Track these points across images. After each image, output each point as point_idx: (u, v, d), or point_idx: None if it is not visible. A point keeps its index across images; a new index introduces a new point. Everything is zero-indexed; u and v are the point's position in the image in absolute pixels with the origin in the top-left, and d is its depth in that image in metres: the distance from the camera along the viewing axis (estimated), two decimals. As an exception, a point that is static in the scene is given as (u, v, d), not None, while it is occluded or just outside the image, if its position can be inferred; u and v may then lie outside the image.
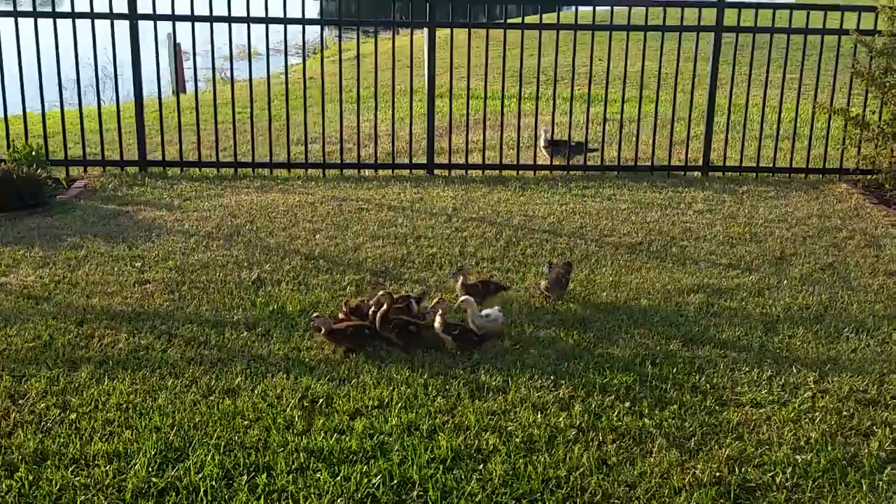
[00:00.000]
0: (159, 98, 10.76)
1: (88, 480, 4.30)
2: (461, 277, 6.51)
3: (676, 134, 11.83)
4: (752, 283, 7.14)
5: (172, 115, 12.50)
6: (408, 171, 10.82)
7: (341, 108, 10.76)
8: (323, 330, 5.76)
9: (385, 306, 5.83)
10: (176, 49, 16.22)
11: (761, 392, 5.33)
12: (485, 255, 7.69)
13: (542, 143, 11.01)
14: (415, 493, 4.27)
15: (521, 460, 4.54)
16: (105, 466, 4.41)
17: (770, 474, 4.49)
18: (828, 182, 10.62)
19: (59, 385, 5.21)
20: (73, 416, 4.88)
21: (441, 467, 4.46)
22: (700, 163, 10.99)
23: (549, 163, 10.93)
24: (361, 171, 10.81)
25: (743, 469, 4.53)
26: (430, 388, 5.27)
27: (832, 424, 4.99)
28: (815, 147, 11.18)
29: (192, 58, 10.59)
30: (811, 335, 6.17)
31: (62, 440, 4.64)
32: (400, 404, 5.07)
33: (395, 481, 4.34)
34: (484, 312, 5.94)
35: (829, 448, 4.73)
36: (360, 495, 4.22)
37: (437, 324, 5.79)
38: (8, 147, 10.19)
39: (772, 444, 4.76)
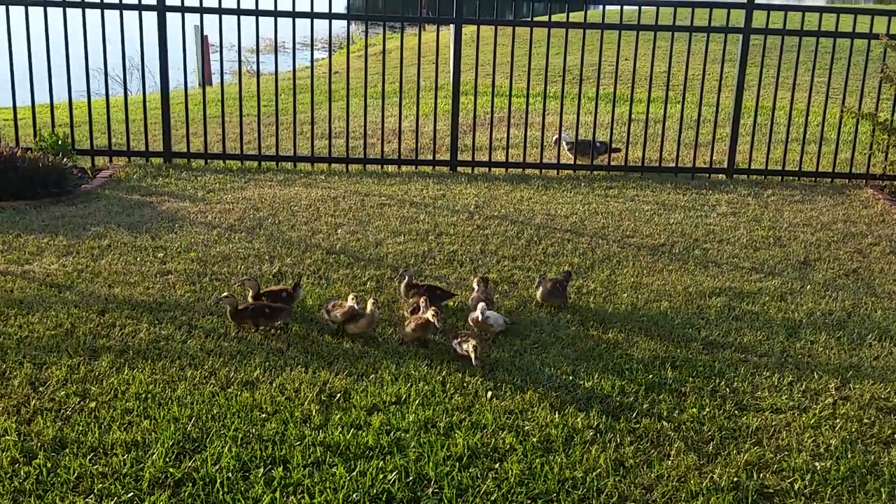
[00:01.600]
0: (185, 90, 10.81)
1: (106, 469, 4.32)
2: (406, 279, 6.45)
3: (702, 136, 11.78)
4: (775, 288, 7.08)
5: (198, 107, 12.56)
6: (431, 167, 10.82)
7: (366, 103, 10.76)
8: (229, 309, 5.94)
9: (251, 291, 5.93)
10: (203, 41, 16.27)
11: (781, 397, 5.29)
12: (506, 253, 7.67)
13: (564, 145, 10.97)
14: (430, 490, 4.27)
15: (537, 460, 4.53)
16: (123, 455, 4.43)
17: (789, 480, 4.45)
18: (854, 187, 10.53)
19: (80, 373, 5.24)
20: (93, 404, 4.91)
21: (457, 465, 4.46)
22: (725, 165, 10.93)
23: (573, 162, 10.90)
24: (385, 166, 10.81)
25: (761, 475, 4.49)
26: (447, 386, 5.27)
27: (853, 432, 4.94)
28: (841, 151, 11.09)
29: (218, 50, 10.62)
30: (833, 341, 6.12)
31: (81, 428, 4.66)
32: (417, 401, 5.06)
33: (411, 478, 4.34)
34: (487, 314, 5.90)
35: (849, 455, 4.69)
36: (375, 491, 4.22)
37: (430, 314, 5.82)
38: (34, 136, 10.29)
39: (791, 451, 4.72)
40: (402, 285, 6.46)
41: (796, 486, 4.40)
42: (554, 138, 11.15)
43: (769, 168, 10.90)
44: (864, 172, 10.76)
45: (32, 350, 5.52)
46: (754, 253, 7.92)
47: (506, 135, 11.07)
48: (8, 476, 4.23)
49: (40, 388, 5.07)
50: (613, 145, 11.17)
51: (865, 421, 5.06)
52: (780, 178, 10.83)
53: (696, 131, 10.87)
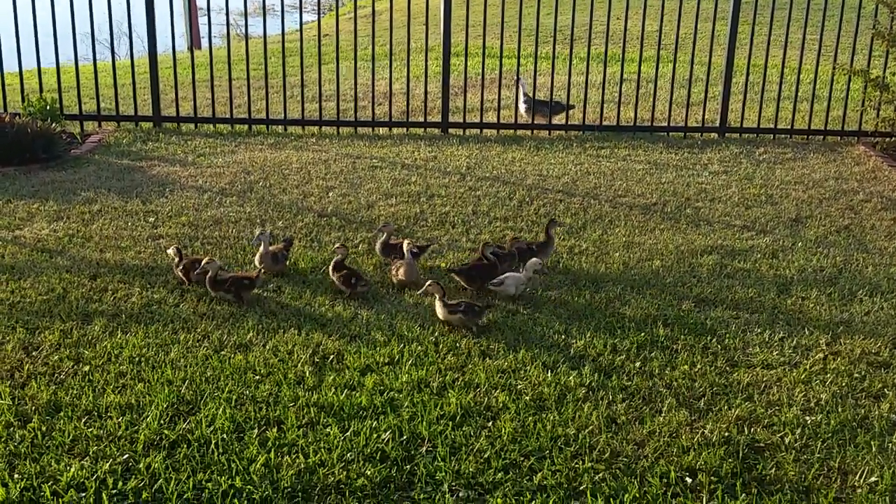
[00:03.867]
0: (174, 54, 10.72)
1: (101, 432, 4.34)
2: (383, 236, 6.44)
3: (693, 95, 11.74)
4: (767, 245, 7.10)
5: (187, 71, 12.48)
6: (422, 129, 10.78)
7: (356, 65, 10.69)
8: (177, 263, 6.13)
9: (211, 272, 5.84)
10: (190, 4, 16.13)
11: (773, 353, 5.32)
12: (498, 214, 7.67)
13: (521, 105, 10.87)
14: (424, 448, 4.29)
15: (530, 418, 4.56)
16: (117, 418, 4.44)
17: (779, 435, 4.49)
18: (846, 144, 10.52)
19: (73, 338, 5.25)
20: (87, 368, 4.92)
21: (450, 424, 4.48)
22: (717, 124, 10.90)
23: (530, 121, 10.81)
24: (375, 129, 10.77)
25: (752, 429, 4.53)
26: (440, 346, 5.29)
27: (843, 386, 4.97)
28: (833, 109, 11.07)
29: (206, 14, 10.51)
30: (825, 297, 6.14)
31: (75, 392, 4.68)
32: (410, 361, 5.08)
33: (405, 437, 4.36)
34: (498, 279, 5.93)
35: (840, 410, 4.72)
36: (369, 450, 4.25)
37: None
38: (22, 101, 10.22)
39: (782, 405, 4.76)
40: (379, 243, 6.45)
41: (787, 441, 4.44)
42: (516, 79, 11.07)
43: (761, 126, 10.88)
44: (856, 129, 10.75)
45: (25, 315, 5.52)
46: (746, 211, 7.93)
47: (497, 96, 11.02)
48: (3, 440, 4.25)
49: (33, 353, 5.08)
50: (573, 103, 11.11)
51: (856, 375, 5.10)
52: (771, 136, 10.81)
53: (687, 90, 10.83)
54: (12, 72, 11.12)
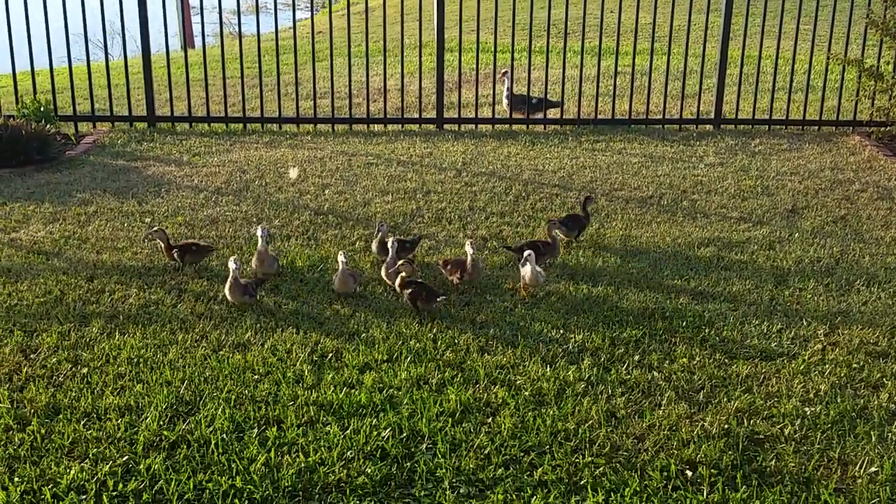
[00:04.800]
0: (167, 53, 10.69)
1: (100, 433, 4.33)
2: (379, 235, 6.39)
3: (688, 87, 11.73)
4: (764, 237, 7.10)
5: (181, 70, 12.46)
6: (417, 125, 10.76)
7: (350, 62, 10.67)
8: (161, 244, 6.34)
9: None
10: (183, 3, 16.09)
11: (771, 345, 5.32)
12: (494, 209, 7.66)
13: (504, 100, 10.90)
14: (424, 445, 4.29)
15: (529, 413, 4.56)
16: (117, 420, 4.44)
17: (778, 426, 4.49)
18: (841, 134, 10.52)
19: (71, 340, 5.24)
20: (85, 370, 4.91)
21: (450, 420, 4.48)
22: (712, 116, 10.89)
23: (509, 115, 10.81)
24: (371, 126, 10.75)
25: (751, 421, 4.53)
26: (438, 343, 5.28)
27: (842, 377, 4.98)
28: (828, 99, 11.06)
29: (199, 12, 10.49)
30: (822, 288, 6.15)
31: (74, 394, 4.67)
32: (409, 358, 5.08)
33: (405, 434, 4.36)
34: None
35: (839, 400, 4.73)
36: (369, 448, 4.25)
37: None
38: (16, 103, 10.19)
39: (781, 397, 4.76)
40: (375, 242, 6.42)
41: (786, 432, 4.44)
42: (501, 72, 11.07)
43: (756, 118, 10.87)
44: (851, 119, 10.74)
45: (22, 318, 5.51)
46: (742, 202, 7.93)
47: (492, 91, 11.01)
48: (2, 443, 4.25)
49: (31, 356, 5.07)
50: (554, 98, 11.12)
51: (854, 365, 5.10)
52: (767, 127, 10.80)
53: (682, 82, 10.83)
54: (6, 73, 11.08)
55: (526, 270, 5.85)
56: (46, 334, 5.30)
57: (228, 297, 5.67)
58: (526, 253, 5.85)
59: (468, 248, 5.95)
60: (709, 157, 9.40)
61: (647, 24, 15.40)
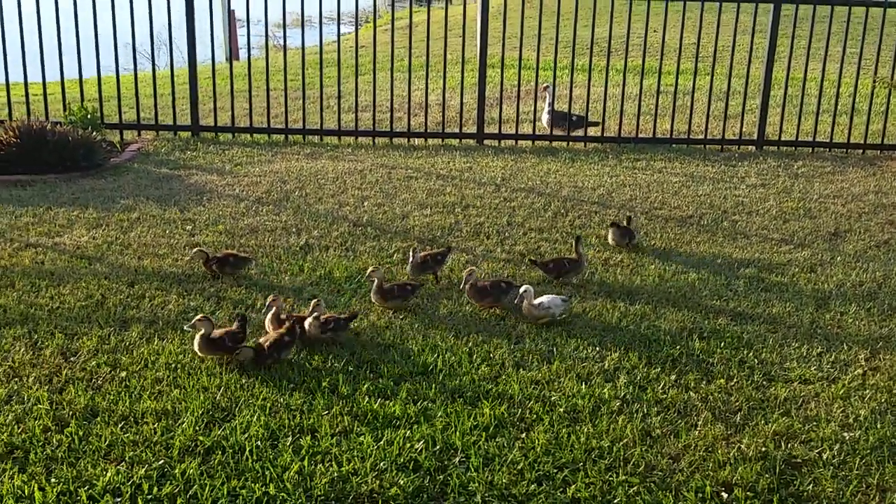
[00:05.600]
0: (213, 64, 10.83)
1: (137, 437, 4.37)
2: (413, 259, 6.35)
3: (731, 108, 11.66)
4: (805, 259, 7.02)
5: (225, 81, 12.60)
6: (457, 140, 10.79)
7: (392, 76, 10.73)
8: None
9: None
10: (230, 16, 16.28)
11: (810, 368, 5.26)
12: (532, 225, 7.65)
13: (545, 116, 10.90)
14: (457, 458, 4.28)
15: (564, 430, 4.53)
16: (153, 424, 4.48)
17: (817, 451, 4.43)
18: (886, 158, 10.40)
19: (110, 344, 5.30)
20: (123, 374, 4.96)
21: (484, 434, 4.47)
22: (755, 137, 10.82)
23: (549, 132, 10.79)
24: (411, 139, 10.80)
25: (789, 445, 4.47)
26: (474, 356, 5.28)
27: (882, 402, 4.90)
28: (873, 122, 10.94)
29: (245, 25, 10.62)
30: (864, 312, 6.07)
31: (112, 397, 4.72)
32: (444, 371, 5.08)
33: (438, 447, 4.36)
34: (537, 301, 5.83)
35: (878, 426, 4.65)
36: (402, 460, 4.24)
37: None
38: (64, 110, 10.36)
39: (819, 421, 4.70)
40: (410, 266, 6.40)
41: (825, 456, 4.38)
42: (543, 86, 11.07)
43: (799, 139, 10.78)
44: (897, 143, 10.62)
45: (63, 321, 5.58)
46: (784, 224, 7.86)
47: (532, 108, 11.02)
48: (41, 444, 4.29)
49: (72, 358, 5.13)
50: (592, 118, 11.10)
51: (895, 391, 5.02)
52: (810, 149, 10.71)
53: (725, 103, 10.76)
54: (54, 81, 11.27)
55: (524, 307, 5.80)
56: (87, 338, 5.36)
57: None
58: (522, 289, 5.79)
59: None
60: (750, 178, 9.32)
61: (691, 44, 15.35)
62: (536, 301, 5.76)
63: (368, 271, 5.97)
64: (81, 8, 10.10)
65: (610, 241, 7.17)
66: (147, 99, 11.52)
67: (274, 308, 5.46)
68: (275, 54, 16.84)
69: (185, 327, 5.43)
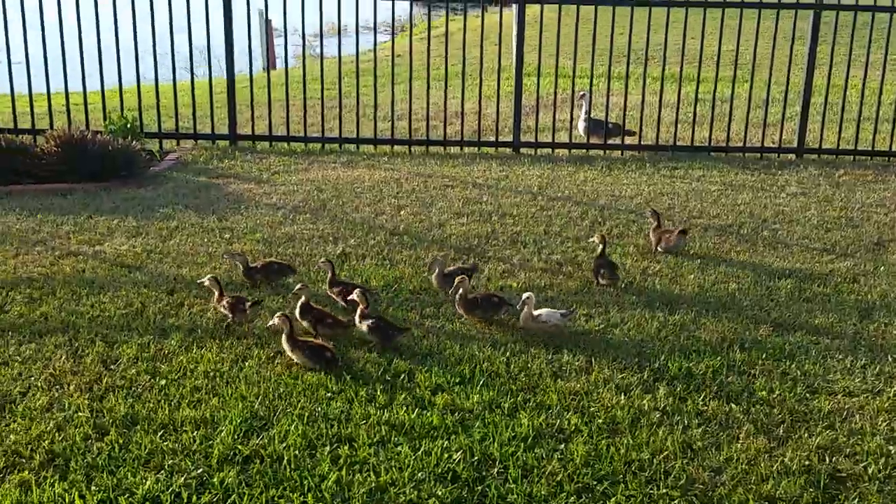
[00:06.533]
0: (250, 74, 10.90)
1: (176, 445, 4.39)
2: (437, 269, 6.27)
3: (770, 115, 11.54)
4: (847, 269, 6.92)
5: (262, 90, 12.67)
6: (493, 148, 10.77)
7: (428, 84, 10.74)
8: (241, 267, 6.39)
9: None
10: (267, 26, 16.39)
11: (854, 381, 5.17)
12: (570, 234, 7.61)
13: (581, 124, 10.87)
14: (495, 469, 4.25)
15: (603, 441, 4.49)
16: (192, 432, 4.49)
17: (862, 464, 4.35)
18: (929, 167, 10.23)
19: (150, 352, 5.33)
20: (163, 382, 4.98)
21: (522, 445, 4.44)
22: (794, 145, 10.70)
23: (586, 140, 10.72)
24: (447, 148, 10.80)
25: (833, 458, 4.40)
26: (512, 367, 5.24)
27: (929, 416, 4.81)
28: (916, 130, 10.78)
29: (283, 34, 10.70)
30: (908, 324, 5.96)
31: (151, 405, 4.74)
32: (482, 381, 5.05)
33: (476, 458, 4.33)
34: (536, 312, 5.76)
35: (926, 440, 4.56)
36: (440, 470, 4.22)
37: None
38: (104, 119, 10.47)
39: (864, 434, 4.61)
40: (434, 277, 6.33)
41: (870, 471, 4.30)
42: (580, 94, 11.03)
43: (840, 147, 10.64)
44: (941, 151, 10.45)
45: (104, 329, 5.63)
46: (825, 234, 7.75)
47: (569, 116, 10.97)
48: (81, 452, 4.32)
49: (112, 366, 5.17)
50: (628, 127, 11.03)
51: (942, 405, 4.92)
52: (851, 157, 10.57)
53: (764, 110, 10.66)
54: (94, 90, 11.41)
55: (523, 314, 5.73)
56: (127, 346, 5.39)
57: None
58: (525, 296, 5.71)
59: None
60: (791, 187, 9.22)
61: (730, 50, 15.22)
62: (535, 312, 5.72)
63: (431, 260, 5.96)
64: (121, 19, 10.21)
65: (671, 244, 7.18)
66: (185, 108, 11.61)
67: (303, 297, 5.61)
68: (312, 63, 16.92)
69: (267, 326, 5.48)
